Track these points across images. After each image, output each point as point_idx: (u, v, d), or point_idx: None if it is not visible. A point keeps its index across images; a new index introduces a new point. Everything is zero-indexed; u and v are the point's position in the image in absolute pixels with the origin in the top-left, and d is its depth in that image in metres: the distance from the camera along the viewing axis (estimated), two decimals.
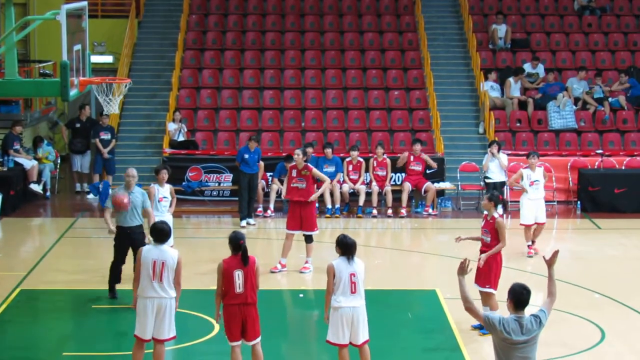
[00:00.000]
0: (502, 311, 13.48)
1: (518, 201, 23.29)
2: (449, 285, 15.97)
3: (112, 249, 15.07)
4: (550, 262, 9.19)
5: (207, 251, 19.18)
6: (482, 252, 13.58)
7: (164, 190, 15.84)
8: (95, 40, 29.18)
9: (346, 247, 11.21)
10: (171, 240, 15.56)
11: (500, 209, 13.76)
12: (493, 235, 13.45)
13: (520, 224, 18.42)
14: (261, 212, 22.24)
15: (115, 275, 15.12)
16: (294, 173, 16.37)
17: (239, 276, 10.98)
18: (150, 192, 15.72)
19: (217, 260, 17.85)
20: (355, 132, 25.73)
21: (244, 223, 21.11)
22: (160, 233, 11.30)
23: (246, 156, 21.12)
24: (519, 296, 8.76)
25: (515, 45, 28.32)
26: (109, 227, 14.90)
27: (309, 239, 16.72)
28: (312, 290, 15.86)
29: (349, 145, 24.44)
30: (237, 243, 11.05)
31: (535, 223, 18.40)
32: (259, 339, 11.21)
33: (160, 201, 15.76)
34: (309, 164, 16.44)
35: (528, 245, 18.35)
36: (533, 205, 18.40)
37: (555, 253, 9.26)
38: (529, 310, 8.88)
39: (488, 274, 13.40)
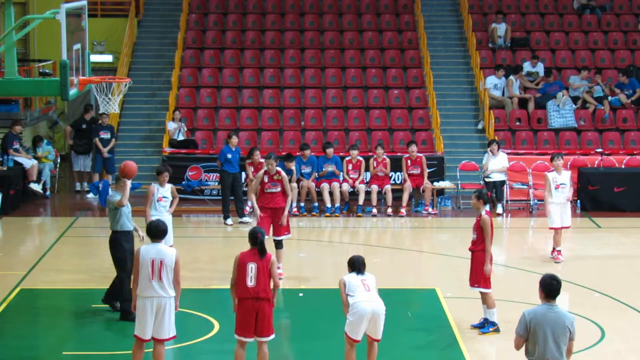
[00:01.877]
0: (500, 309, 13.52)
1: (518, 200, 23.52)
2: (449, 284, 16.00)
3: (108, 248, 14.81)
4: None
5: (207, 250, 19.19)
6: (469, 250, 13.58)
7: (164, 190, 15.80)
8: (95, 40, 29.19)
9: (352, 263, 11.43)
10: (170, 240, 15.63)
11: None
12: (478, 233, 13.42)
13: (549, 228, 17.83)
14: None
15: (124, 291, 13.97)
16: (266, 179, 16.05)
17: (252, 269, 11.08)
18: (149, 191, 15.70)
19: (216, 259, 17.98)
20: (354, 131, 25.72)
21: (229, 222, 21.13)
22: (157, 231, 11.28)
23: (229, 156, 21.13)
24: (549, 286, 9.21)
25: (515, 44, 28.31)
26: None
27: (279, 245, 16.33)
28: (311, 290, 15.85)
29: (348, 144, 24.43)
30: (254, 236, 11.23)
31: (562, 227, 17.74)
32: (268, 338, 11.24)
33: (160, 201, 15.73)
34: (278, 169, 16.23)
35: (558, 251, 17.74)
36: (559, 208, 17.62)
37: None
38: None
39: (476, 274, 13.40)
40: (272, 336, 11.30)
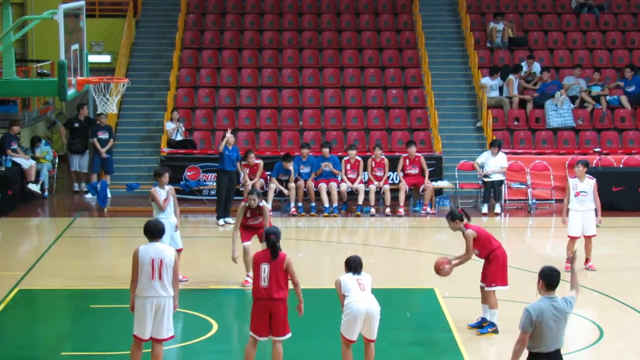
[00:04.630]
0: (498, 308, 13.52)
1: (517, 200, 23.53)
2: (447, 284, 15.98)
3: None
4: (572, 259, 9.99)
5: (205, 250, 19.18)
6: (483, 258, 13.57)
7: (164, 192, 15.72)
8: (93, 40, 29.15)
9: (349, 263, 11.47)
10: (179, 243, 15.63)
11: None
12: (477, 248, 13.42)
13: (567, 235, 17.21)
14: None
15: None
16: (249, 214, 15.57)
17: (264, 270, 11.19)
18: (154, 196, 15.60)
19: (215, 259, 17.97)
20: (353, 131, 25.72)
21: (221, 222, 21.10)
22: (155, 230, 11.26)
23: (226, 152, 21.07)
24: (550, 277, 9.35)
25: (513, 44, 28.32)
26: None
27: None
28: (310, 290, 15.83)
29: (347, 144, 24.41)
30: (267, 237, 11.35)
31: (583, 236, 17.11)
32: (284, 337, 11.33)
33: (164, 202, 15.66)
34: (260, 204, 15.72)
35: (567, 259, 16.76)
36: (579, 216, 16.98)
37: (576, 251, 10.26)
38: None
39: (494, 274, 13.36)
40: (289, 335, 11.37)
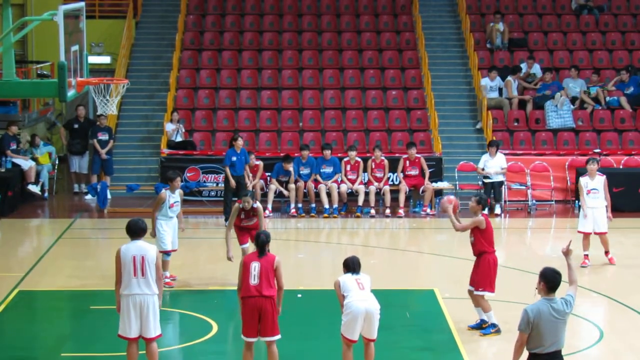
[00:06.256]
0: (499, 309, 13.53)
1: (516, 201, 23.53)
2: (447, 284, 16.00)
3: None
4: (567, 252, 9.85)
5: (205, 251, 19.18)
6: (475, 255, 13.56)
7: (175, 196, 15.77)
8: (93, 41, 29.16)
9: (347, 264, 11.50)
10: (176, 244, 15.63)
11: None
12: (475, 235, 13.44)
13: (578, 231, 17.49)
14: None
15: None
16: (243, 215, 15.48)
17: (255, 268, 11.22)
18: (161, 198, 15.63)
19: (215, 260, 17.98)
20: (353, 132, 25.72)
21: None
22: (136, 229, 11.26)
23: (234, 159, 21.04)
24: (554, 279, 9.38)
25: (512, 45, 28.32)
26: None
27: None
28: (310, 291, 15.85)
29: (346, 146, 24.43)
30: (256, 237, 11.50)
31: (594, 232, 17.34)
32: (274, 338, 11.30)
33: (172, 207, 15.69)
34: (254, 206, 15.61)
35: (584, 255, 17.39)
36: (590, 213, 17.28)
37: (570, 242, 9.97)
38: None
39: (482, 278, 13.36)
40: (278, 336, 11.34)
